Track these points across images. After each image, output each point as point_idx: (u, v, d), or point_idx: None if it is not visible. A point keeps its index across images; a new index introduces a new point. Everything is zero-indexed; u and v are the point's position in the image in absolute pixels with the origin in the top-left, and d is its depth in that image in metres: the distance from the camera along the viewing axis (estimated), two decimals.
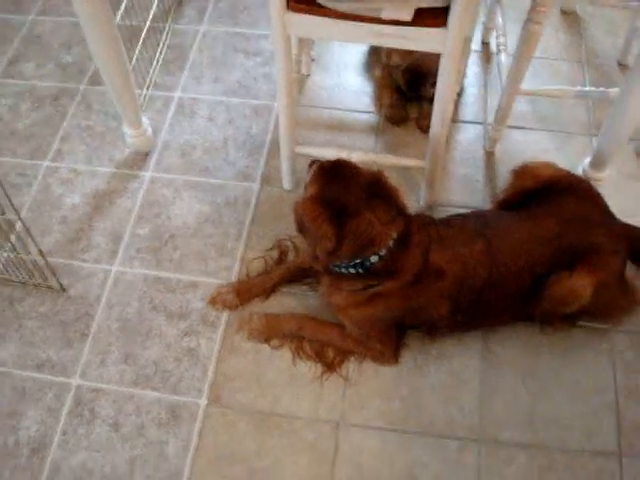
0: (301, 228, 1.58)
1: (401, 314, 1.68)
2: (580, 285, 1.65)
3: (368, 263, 1.57)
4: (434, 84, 1.91)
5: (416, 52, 2.03)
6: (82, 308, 1.88)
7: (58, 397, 1.74)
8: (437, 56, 1.70)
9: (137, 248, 1.98)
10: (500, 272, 1.67)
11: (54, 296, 1.90)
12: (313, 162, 1.70)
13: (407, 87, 2.20)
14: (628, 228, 1.80)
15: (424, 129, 2.14)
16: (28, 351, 1.81)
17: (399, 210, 1.59)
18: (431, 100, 1.83)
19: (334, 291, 1.70)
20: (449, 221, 1.76)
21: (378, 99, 2.27)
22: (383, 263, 1.57)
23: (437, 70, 1.83)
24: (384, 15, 1.55)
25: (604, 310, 1.79)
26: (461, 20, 1.52)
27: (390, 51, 2.13)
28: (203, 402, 1.73)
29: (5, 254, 1.84)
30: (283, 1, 1.57)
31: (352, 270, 1.59)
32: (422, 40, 1.60)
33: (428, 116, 1.92)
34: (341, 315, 1.73)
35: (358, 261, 1.57)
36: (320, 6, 1.58)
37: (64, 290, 1.90)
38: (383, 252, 1.56)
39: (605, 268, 1.68)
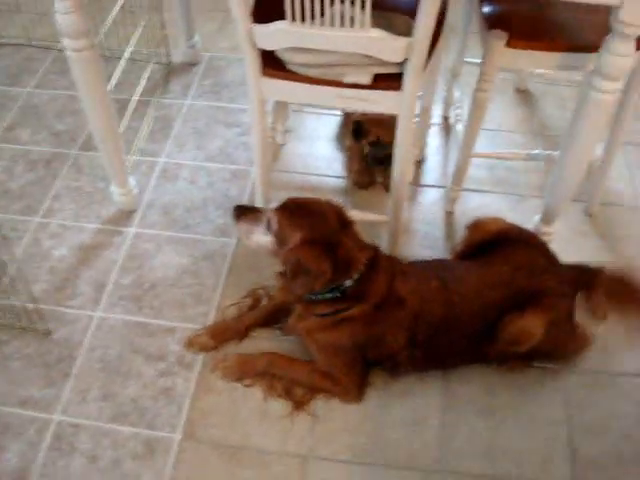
0: (296, 271, 1.68)
1: (364, 341, 1.79)
2: (531, 324, 1.79)
3: (343, 287, 1.71)
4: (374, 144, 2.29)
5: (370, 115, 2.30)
6: (65, 350, 1.98)
7: (39, 432, 1.82)
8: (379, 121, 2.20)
9: (119, 296, 2.11)
10: (455, 313, 1.81)
11: (39, 339, 2.00)
12: (239, 208, 1.80)
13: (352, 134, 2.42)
14: (574, 269, 1.96)
15: (388, 189, 2.32)
16: (12, 389, 1.90)
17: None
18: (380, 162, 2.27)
19: (305, 317, 1.83)
20: (410, 262, 1.93)
21: (347, 166, 2.46)
22: (355, 287, 1.72)
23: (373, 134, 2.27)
24: (346, 79, 1.75)
25: (555, 350, 1.92)
26: (413, 85, 1.73)
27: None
28: (177, 437, 1.81)
29: None
30: (258, 68, 1.78)
31: (328, 295, 1.73)
32: (380, 102, 1.80)
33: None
34: (309, 340, 1.85)
35: (333, 286, 1.71)
36: (290, 72, 1.78)
37: (49, 334, 2.01)
38: (356, 276, 1.71)
39: (554, 309, 1.82)
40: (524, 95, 2.76)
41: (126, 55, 2.33)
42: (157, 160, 2.50)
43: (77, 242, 2.25)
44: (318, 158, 2.52)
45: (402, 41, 1.62)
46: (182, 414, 1.85)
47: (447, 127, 2.63)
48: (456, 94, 2.46)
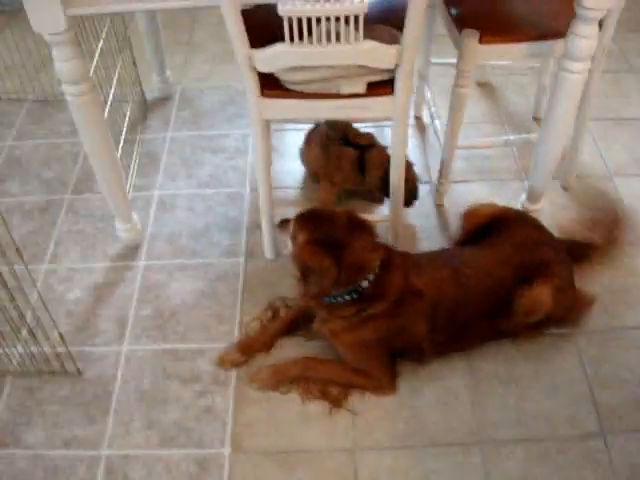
0: (304, 271, 1.81)
1: (389, 334, 1.90)
2: (541, 294, 1.92)
3: (360, 288, 1.81)
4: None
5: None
6: (100, 387, 2.02)
7: (90, 468, 1.85)
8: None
9: (142, 327, 2.16)
10: (469, 294, 1.93)
11: (72, 380, 2.04)
12: (282, 221, 1.96)
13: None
14: (566, 241, 2.12)
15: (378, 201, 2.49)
16: (54, 432, 1.93)
17: (375, 237, 1.86)
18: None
19: (329, 320, 1.92)
20: (420, 254, 2.05)
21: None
22: (372, 287, 1.82)
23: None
24: (343, 91, 1.87)
25: (564, 315, 2.05)
26: (404, 88, 1.86)
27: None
28: (227, 451, 1.87)
29: (20, 348, 1.98)
30: (258, 89, 1.87)
31: (347, 297, 1.83)
32: (375, 108, 1.92)
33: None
34: (336, 341, 1.95)
35: (351, 288, 1.81)
36: (288, 90, 1.89)
37: (80, 373, 2.05)
38: (371, 277, 1.81)
39: (558, 276, 1.97)
40: (486, 87, 2.95)
41: (111, 97, 2.39)
42: (152, 193, 2.57)
43: (89, 283, 2.30)
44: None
45: (393, 49, 1.75)
46: (227, 429, 1.92)
47: (421, 127, 2.78)
48: (427, 94, 2.61)
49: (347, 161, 2.37)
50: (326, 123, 2.42)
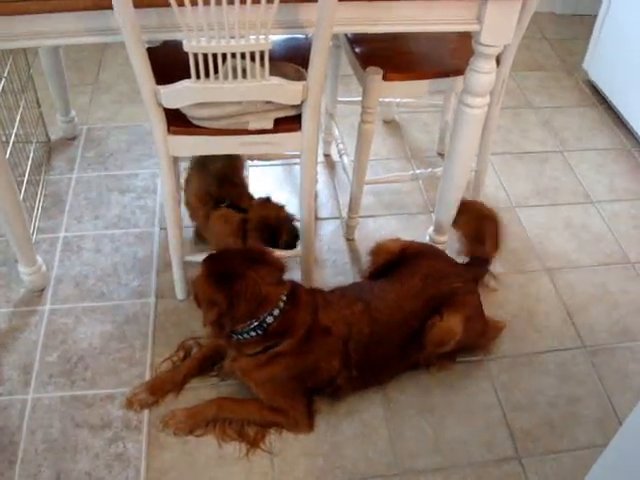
0: (199, 305, 1.81)
1: (300, 372, 1.88)
2: (451, 324, 1.96)
3: (265, 324, 1.80)
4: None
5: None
6: (5, 438, 1.91)
7: None
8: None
9: (49, 374, 2.07)
10: (381, 328, 1.95)
11: None
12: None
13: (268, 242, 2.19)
14: (472, 269, 2.19)
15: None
16: None
17: (282, 272, 1.86)
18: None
19: (238, 358, 1.90)
20: (330, 290, 2.05)
21: None
22: (278, 323, 1.81)
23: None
24: (251, 127, 1.88)
25: (474, 342, 2.11)
26: (311, 124, 1.88)
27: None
28: None
29: None
30: (164, 126, 1.86)
31: (252, 333, 1.81)
32: (283, 144, 1.94)
33: None
34: (248, 380, 1.92)
35: (256, 323, 1.79)
36: (196, 126, 1.88)
37: None
38: (276, 312, 1.80)
39: (467, 306, 2.02)
40: (392, 125, 3.03)
41: (13, 137, 2.32)
42: (57, 235, 2.49)
43: None
44: None
45: (299, 85, 1.78)
46: (140, 476, 1.84)
47: (330, 164, 2.82)
48: (335, 132, 2.65)
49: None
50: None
